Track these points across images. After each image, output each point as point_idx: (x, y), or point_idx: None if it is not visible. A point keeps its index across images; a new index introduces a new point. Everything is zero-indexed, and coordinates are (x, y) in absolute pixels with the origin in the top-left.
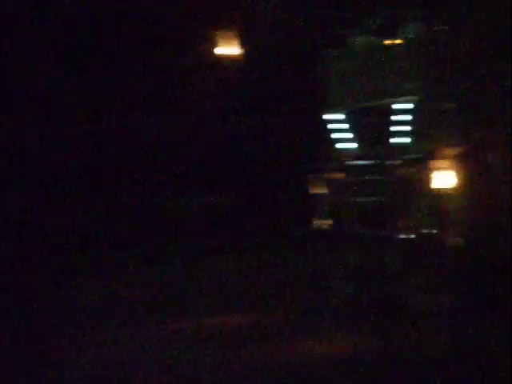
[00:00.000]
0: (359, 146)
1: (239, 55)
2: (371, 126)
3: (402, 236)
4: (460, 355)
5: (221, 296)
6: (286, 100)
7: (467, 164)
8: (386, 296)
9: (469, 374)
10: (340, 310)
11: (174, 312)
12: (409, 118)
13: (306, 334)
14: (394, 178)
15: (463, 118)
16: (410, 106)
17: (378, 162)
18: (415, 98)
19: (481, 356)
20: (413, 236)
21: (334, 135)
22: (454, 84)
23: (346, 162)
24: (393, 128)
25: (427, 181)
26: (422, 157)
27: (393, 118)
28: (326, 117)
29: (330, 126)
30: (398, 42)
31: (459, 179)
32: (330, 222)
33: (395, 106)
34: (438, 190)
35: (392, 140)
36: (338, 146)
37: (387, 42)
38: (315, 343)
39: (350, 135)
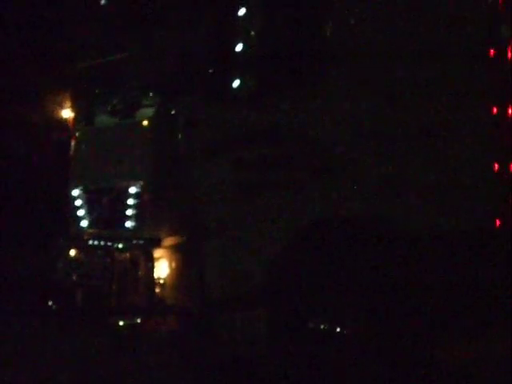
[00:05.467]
0: (90, 226)
1: None
2: (102, 206)
3: (117, 322)
4: None
5: None
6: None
7: (184, 254)
8: None
9: None
10: None
11: None
12: (135, 202)
13: None
14: (113, 262)
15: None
16: (137, 190)
17: (104, 244)
18: (142, 183)
19: None
20: (127, 323)
21: (72, 213)
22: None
23: (77, 242)
24: (120, 211)
25: (145, 268)
26: (143, 243)
27: (122, 200)
28: (68, 194)
29: (70, 204)
30: (138, 123)
31: (176, 269)
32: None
33: (125, 190)
34: (155, 278)
35: (118, 223)
36: (74, 224)
37: (127, 122)
38: None
39: (84, 214)
